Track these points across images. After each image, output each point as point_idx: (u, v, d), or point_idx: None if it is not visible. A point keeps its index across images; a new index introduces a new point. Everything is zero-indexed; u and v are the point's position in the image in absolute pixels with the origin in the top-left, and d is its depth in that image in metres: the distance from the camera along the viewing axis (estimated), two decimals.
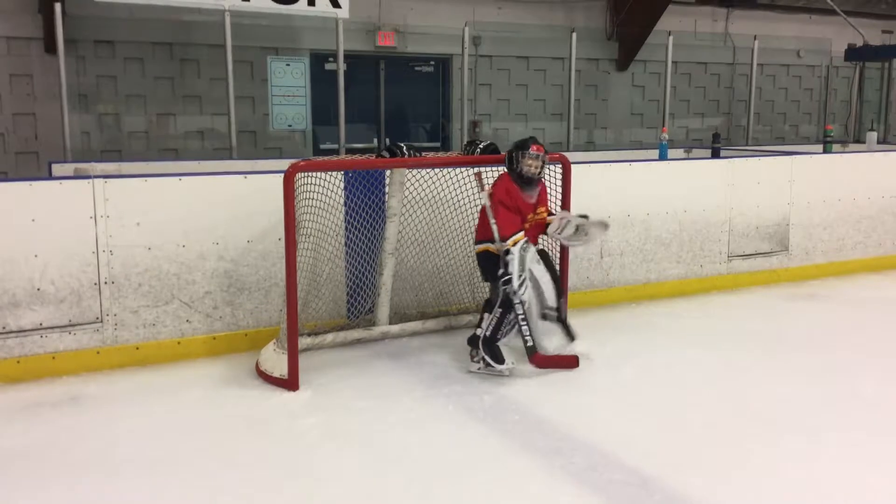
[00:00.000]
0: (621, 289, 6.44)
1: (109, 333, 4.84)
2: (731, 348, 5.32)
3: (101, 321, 4.81)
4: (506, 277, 4.57)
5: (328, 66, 8.76)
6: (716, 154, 8.19)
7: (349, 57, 7.86)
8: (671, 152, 8.12)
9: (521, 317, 4.62)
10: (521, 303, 4.59)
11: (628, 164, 6.61)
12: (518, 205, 4.71)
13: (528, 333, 4.61)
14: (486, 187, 4.84)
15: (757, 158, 7.19)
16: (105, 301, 4.80)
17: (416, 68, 9.88)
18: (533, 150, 4.70)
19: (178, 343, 5.01)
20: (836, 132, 9.73)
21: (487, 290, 5.13)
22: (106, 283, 4.79)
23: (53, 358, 4.71)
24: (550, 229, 4.86)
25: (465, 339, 4.98)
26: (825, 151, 8.62)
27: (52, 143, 7.33)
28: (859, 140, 10.20)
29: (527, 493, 3.35)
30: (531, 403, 4.29)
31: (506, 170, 4.81)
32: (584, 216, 4.88)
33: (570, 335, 4.89)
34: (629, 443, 3.80)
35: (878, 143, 9.16)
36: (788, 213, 7.15)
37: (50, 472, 3.54)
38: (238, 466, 3.60)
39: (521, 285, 4.56)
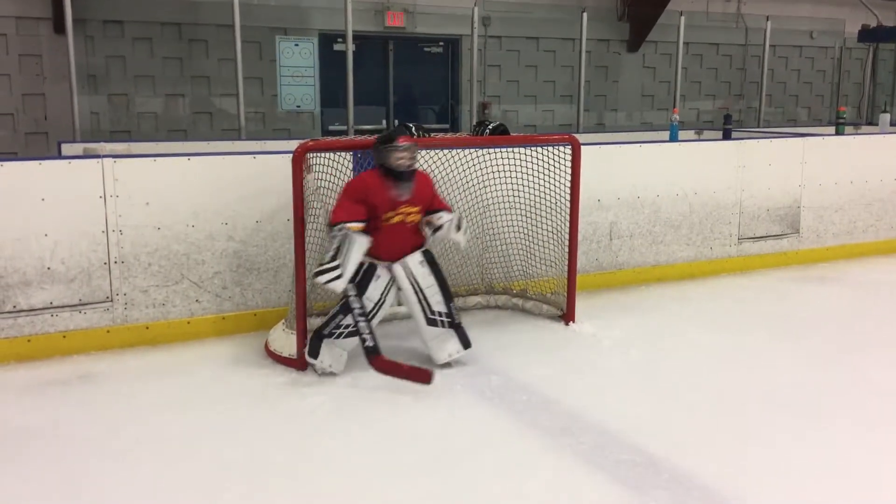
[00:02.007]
0: (630, 271, 6.42)
1: (119, 313, 4.86)
2: (740, 331, 5.31)
3: (111, 300, 4.83)
4: (318, 269, 4.18)
5: (337, 47, 8.73)
6: (727, 136, 8.13)
7: (358, 37, 7.83)
8: (682, 134, 8.08)
9: (356, 311, 4.25)
10: (353, 296, 4.24)
11: (638, 145, 6.57)
12: (373, 201, 4.33)
13: (366, 332, 4.23)
14: (314, 173, 4.53)
15: (768, 140, 7.14)
16: (115, 280, 4.82)
17: (426, 49, 9.82)
18: (399, 142, 4.31)
19: (188, 323, 5.03)
20: (848, 114, 9.66)
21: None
22: (116, 262, 4.80)
23: (64, 337, 4.74)
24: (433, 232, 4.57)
25: (473, 320, 4.91)
26: (837, 133, 8.54)
27: (62, 123, 7.34)
28: (872, 122, 10.12)
29: (535, 472, 3.36)
30: (539, 384, 4.29)
31: (376, 168, 4.44)
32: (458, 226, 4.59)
33: (465, 341, 4.56)
34: (637, 423, 3.80)
35: (892, 125, 9.07)
36: (800, 195, 7.10)
37: (60, 450, 3.57)
38: (247, 445, 3.62)
39: (336, 277, 4.14)
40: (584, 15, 8.43)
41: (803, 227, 7.18)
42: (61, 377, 4.43)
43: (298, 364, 4.50)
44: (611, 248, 6.32)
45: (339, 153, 4.96)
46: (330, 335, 4.38)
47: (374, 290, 4.39)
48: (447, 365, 4.54)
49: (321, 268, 4.17)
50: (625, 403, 4.05)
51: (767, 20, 9.53)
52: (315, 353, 4.39)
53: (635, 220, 6.37)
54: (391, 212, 4.38)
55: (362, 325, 4.25)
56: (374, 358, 4.26)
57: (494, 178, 5.47)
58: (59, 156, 5.86)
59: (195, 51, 8.36)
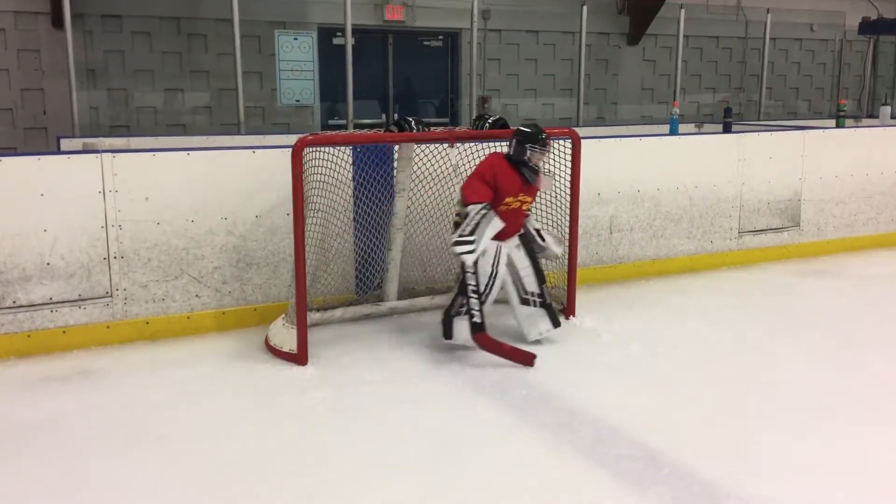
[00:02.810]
0: (630, 265, 6.42)
1: (119, 308, 4.86)
2: (740, 324, 5.31)
3: (111, 295, 4.83)
4: (458, 238, 4.46)
5: (336, 41, 8.69)
6: (727, 129, 8.11)
7: (357, 31, 7.81)
8: (682, 127, 8.05)
9: (470, 288, 4.50)
10: (471, 272, 4.50)
11: (638, 139, 6.56)
12: (501, 185, 4.60)
13: (475, 308, 4.49)
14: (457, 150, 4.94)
15: (769, 133, 7.13)
16: (114, 276, 4.82)
17: (425, 43, 9.80)
18: (546, 147, 4.70)
19: (188, 318, 5.03)
20: (849, 107, 9.63)
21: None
22: (115, 257, 4.80)
23: (63, 332, 4.73)
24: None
25: None
26: (838, 126, 8.53)
27: (61, 118, 7.32)
28: (872, 115, 10.09)
29: (535, 467, 3.36)
30: (538, 379, 4.29)
31: (509, 152, 4.71)
32: (542, 237, 4.95)
33: (555, 321, 4.83)
34: (637, 418, 3.80)
35: (892, 117, 9.05)
36: (800, 188, 7.09)
37: (59, 446, 3.57)
38: (247, 440, 3.62)
39: (471, 250, 4.44)
40: (584, 8, 8.39)
41: (804, 220, 7.17)
42: (61, 373, 4.43)
43: (298, 359, 4.50)
44: (611, 241, 6.31)
45: (338, 147, 4.97)
46: (457, 314, 4.62)
47: (485, 264, 4.65)
48: (537, 342, 4.77)
49: (461, 238, 4.44)
50: (625, 398, 4.05)
51: (768, 13, 9.50)
52: (449, 335, 4.65)
53: (635, 213, 6.37)
54: (512, 198, 4.66)
55: (473, 301, 4.50)
56: (479, 335, 4.49)
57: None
58: (59, 151, 5.85)
59: (194, 45, 8.34)
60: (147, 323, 4.93)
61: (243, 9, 6.90)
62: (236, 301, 5.16)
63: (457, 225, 4.61)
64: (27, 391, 4.19)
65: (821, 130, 7.48)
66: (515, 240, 4.83)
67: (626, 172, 6.29)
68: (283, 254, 5.19)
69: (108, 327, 4.84)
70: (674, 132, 7.69)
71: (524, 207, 4.80)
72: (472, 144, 5.37)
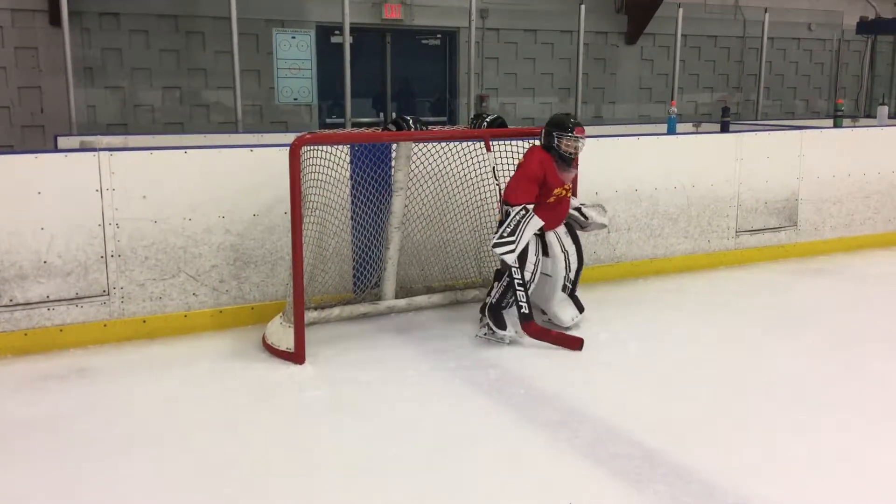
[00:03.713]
0: (628, 264, 6.42)
1: (116, 306, 4.85)
2: (738, 323, 5.31)
3: (108, 294, 4.82)
4: (498, 240, 4.57)
5: (334, 39, 8.70)
6: (725, 128, 8.12)
7: (355, 30, 7.80)
8: (680, 126, 8.06)
9: (516, 281, 4.64)
10: (516, 268, 4.62)
11: (636, 138, 6.56)
12: (548, 180, 4.76)
13: (522, 300, 4.66)
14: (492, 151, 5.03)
15: (766, 133, 7.13)
16: (112, 274, 4.81)
17: (423, 41, 9.80)
18: (577, 132, 4.78)
19: (185, 316, 5.02)
20: (846, 107, 9.65)
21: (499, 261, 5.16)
22: (112, 256, 4.79)
23: (60, 330, 4.73)
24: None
25: (471, 313, 5.00)
26: (835, 126, 8.54)
27: (58, 116, 7.31)
28: (870, 115, 10.12)
29: (532, 466, 3.36)
30: (536, 378, 4.29)
31: (541, 144, 4.87)
32: (584, 215, 5.14)
33: (580, 307, 5.09)
34: (635, 417, 3.80)
35: (889, 117, 9.07)
36: (797, 187, 7.10)
37: (57, 444, 3.56)
38: (245, 439, 3.62)
39: (511, 250, 4.56)
40: (582, 7, 8.40)
41: (801, 219, 7.18)
42: (58, 371, 4.42)
43: (296, 357, 4.49)
44: (608, 241, 6.31)
45: (336, 146, 4.96)
46: (507, 306, 4.77)
47: (530, 254, 4.79)
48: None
49: (501, 240, 4.56)
50: (623, 397, 4.05)
51: (765, 12, 9.52)
52: (503, 325, 4.76)
53: (633, 213, 6.37)
54: (560, 188, 4.83)
55: (520, 293, 4.66)
56: (528, 324, 4.68)
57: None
58: (56, 149, 5.84)
59: (192, 43, 8.33)
60: (144, 321, 4.92)
61: (241, 7, 6.89)
62: (234, 299, 5.15)
63: (501, 224, 4.71)
64: (24, 389, 4.18)
65: (818, 130, 7.48)
66: (562, 227, 5.06)
67: (623, 172, 6.29)
68: (280, 252, 5.19)
69: (105, 326, 4.83)
70: (671, 131, 7.70)
71: (568, 195, 4.97)
72: (469, 143, 5.37)
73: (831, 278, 6.55)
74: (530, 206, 4.70)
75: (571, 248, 5.06)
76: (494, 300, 4.81)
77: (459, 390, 4.15)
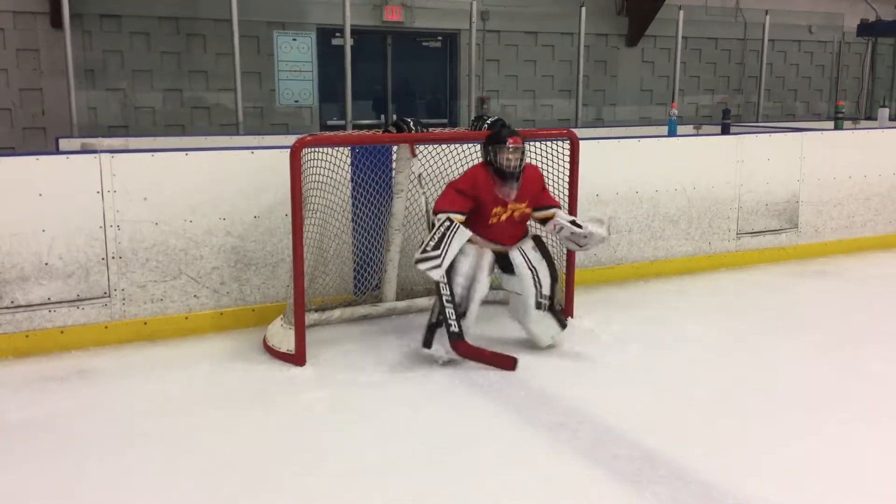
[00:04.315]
0: (629, 266, 6.42)
1: (117, 308, 4.86)
2: (738, 325, 5.31)
3: (109, 296, 4.82)
4: (421, 255, 4.25)
5: (335, 42, 8.71)
6: (725, 130, 8.13)
7: (356, 32, 7.82)
8: (680, 128, 8.07)
9: (445, 298, 4.35)
10: (444, 283, 4.35)
11: (637, 140, 6.56)
12: (481, 196, 4.46)
13: (451, 318, 4.35)
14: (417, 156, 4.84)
15: (767, 135, 7.13)
16: (113, 276, 4.81)
17: (424, 44, 9.81)
18: (510, 143, 4.43)
19: (186, 318, 5.02)
20: (847, 109, 9.64)
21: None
22: (113, 257, 4.79)
23: (61, 332, 4.73)
24: (547, 228, 4.74)
25: None
26: (836, 128, 8.54)
27: (59, 118, 7.32)
28: (871, 117, 10.12)
29: (532, 467, 3.36)
30: (536, 379, 4.29)
31: (482, 163, 4.60)
32: (579, 225, 4.64)
33: (562, 323, 4.73)
34: (635, 418, 3.80)
35: (890, 119, 9.07)
36: (798, 189, 7.10)
37: (57, 446, 3.56)
38: (245, 440, 3.62)
39: (436, 265, 4.24)
40: (583, 9, 8.41)
41: (802, 221, 7.18)
42: (59, 373, 4.42)
43: (296, 359, 4.50)
44: (609, 242, 6.31)
45: (337, 148, 4.97)
46: (439, 324, 4.44)
47: (463, 265, 4.46)
48: (550, 347, 4.73)
49: (424, 255, 4.24)
50: (623, 398, 4.05)
51: (766, 14, 9.52)
52: (428, 344, 4.47)
53: (634, 214, 6.37)
54: (499, 208, 4.51)
55: (449, 310, 4.36)
56: (457, 343, 4.38)
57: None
58: (57, 151, 5.85)
59: (193, 45, 8.34)
60: (145, 323, 4.93)
61: (242, 9, 6.90)
62: (234, 301, 5.16)
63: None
64: (25, 391, 4.18)
65: (819, 132, 7.49)
66: (530, 241, 4.72)
67: (624, 174, 6.29)
68: (281, 254, 5.19)
69: (106, 327, 4.83)
70: (672, 133, 7.71)
71: (516, 215, 4.60)
72: (470, 145, 5.38)
73: (832, 280, 6.55)
74: (455, 217, 4.37)
75: (541, 265, 4.64)
76: (432, 318, 4.51)
77: (460, 391, 4.15)
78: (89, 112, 7.83)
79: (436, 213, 4.41)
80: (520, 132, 4.61)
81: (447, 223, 4.33)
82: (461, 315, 4.41)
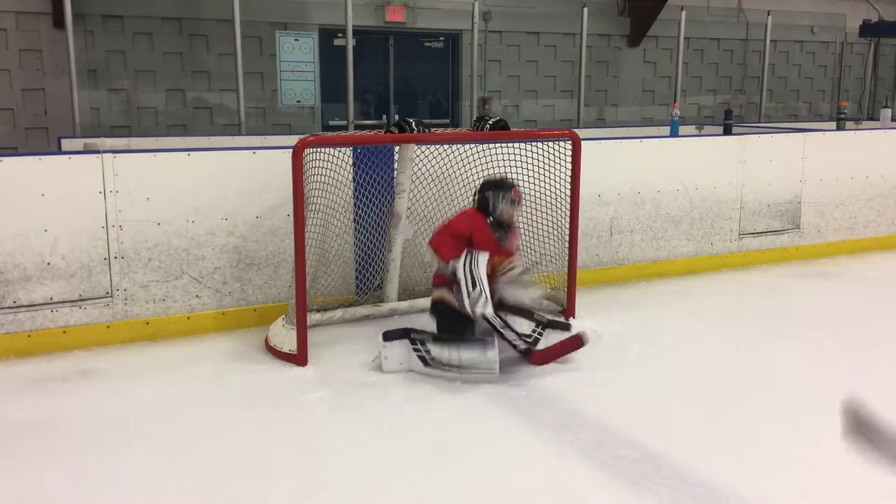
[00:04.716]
0: (631, 266, 6.42)
1: (119, 308, 4.86)
2: (740, 326, 5.31)
3: (111, 296, 4.83)
4: (471, 302, 4.19)
5: (337, 42, 8.70)
6: (728, 131, 8.12)
7: (358, 32, 7.81)
8: (682, 129, 8.06)
9: (499, 326, 4.31)
10: (492, 315, 4.28)
11: (639, 140, 6.56)
12: (476, 240, 4.41)
13: (515, 339, 4.35)
14: (402, 220, 4.71)
15: (769, 135, 7.12)
16: (115, 276, 4.82)
17: (426, 44, 9.81)
18: (514, 195, 4.47)
19: (188, 318, 5.03)
20: (849, 109, 9.64)
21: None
22: (116, 257, 4.80)
23: (64, 332, 4.74)
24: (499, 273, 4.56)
25: None
26: (838, 128, 8.53)
27: (62, 118, 7.32)
28: (873, 117, 10.09)
29: (534, 468, 3.36)
30: (538, 380, 4.29)
31: (476, 207, 4.55)
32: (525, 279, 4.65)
33: (565, 326, 4.71)
34: (637, 419, 3.80)
35: (892, 120, 9.04)
36: (800, 190, 7.09)
37: (59, 446, 3.57)
38: (247, 440, 3.62)
39: (486, 302, 4.21)
40: (585, 10, 8.40)
41: (804, 222, 7.17)
42: (61, 372, 4.43)
43: (298, 359, 4.50)
44: (611, 243, 6.31)
45: (339, 148, 4.97)
46: (413, 343, 4.32)
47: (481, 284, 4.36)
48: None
49: (471, 299, 4.19)
50: (625, 398, 4.05)
51: (768, 15, 9.51)
52: (389, 338, 4.36)
53: (636, 215, 6.37)
54: (488, 253, 4.42)
55: (508, 334, 4.33)
56: (533, 357, 4.39)
57: (494, 174, 5.45)
58: (59, 151, 5.85)
59: (195, 46, 8.34)
60: (147, 323, 4.93)
61: (244, 9, 6.90)
62: (236, 302, 5.16)
63: (438, 281, 4.46)
64: (27, 391, 4.19)
65: (821, 133, 7.48)
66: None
67: (626, 174, 6.29)
68: (283, 254, 5.19)
69: (108, 327, 4.84)
70: (674, 134, 7.70)
71: (495, 261, 4.51)
72: (472, 146, 5.38)
73: (834, 281, 6.54)
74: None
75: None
76: (412, 329, 4.43)
77: (461, 392, 4.15)
78: (92, 112, 7.83)
79: (447, 260, 4.36)
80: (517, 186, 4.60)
81: (464, 257, 4.32)
82: (510, 327, 4.37)
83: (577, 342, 4.48)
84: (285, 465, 3.40)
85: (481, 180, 4.71)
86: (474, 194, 4.63)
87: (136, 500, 3.13)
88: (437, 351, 4.27)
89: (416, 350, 4.32)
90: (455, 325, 4.36)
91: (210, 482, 3.25)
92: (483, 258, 4.34)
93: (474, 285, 4.23)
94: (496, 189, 4.50)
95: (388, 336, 4.38)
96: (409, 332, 4.38)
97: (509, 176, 4.68)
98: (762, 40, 9.72)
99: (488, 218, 4.50)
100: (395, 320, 5.28)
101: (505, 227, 4.54)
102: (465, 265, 4.29)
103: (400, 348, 4.36)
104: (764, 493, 3.14)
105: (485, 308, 4.22)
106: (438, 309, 4.50)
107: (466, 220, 4.51)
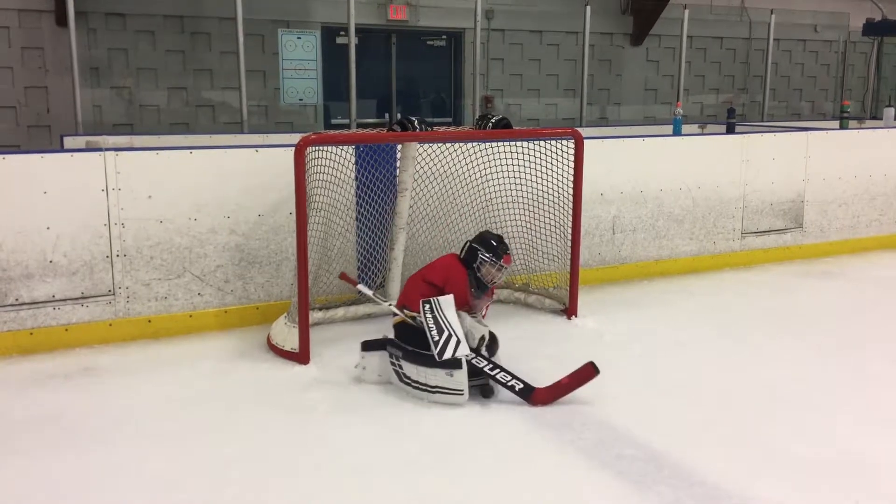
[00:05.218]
0: (633, 265, 6.41)
1: (122, 306, 4.86)
2: (742, 325, 5.30)
3: (114, 294, 4.83)
4: (437, 353, 3.90)
5: (339, 40, 8.70)
6: (730, 130, 8.11)
7: (360, 31, 7.80)
8: (685, 128, 8.05)
9: (487, 369, 3.98)
10: (477, 357, 4.00)
11: (641, 139, 6.55)
12: (448, 291, 4.23)
13: (509, 380, 3.97)
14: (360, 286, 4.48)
15: (772, 134, 7.12)
16: (117, 274, 4.82)
17: (428, 42, 9.80)
18: (504, 263, 4.30)
19: (190, 316, 5.03)
20: (852, 108, 9.63)
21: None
22: (118, 255, 4.80)
23: (66, 330, 4.74)
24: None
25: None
26: (841, 127, 8.52)
27: (64, 116, 7.33)
28: (876, 116, 10.08)
29: (537, 467, 3.36)
30: (541, 379, 4.27)
31: (460, 258, 4.39)
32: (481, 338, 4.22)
33: (524, 388, 4.03)
34: (639, 418, 3.80)
35: None
36: (803, 189, 7.08)
37: (61, 443, 3.57)
38: (249, 439, 3.62)
39: (456, 345, 3.95)
40: (588, 8, 8.39)
41: (807, 221, 7.16)
42: (64, 370, 4.43)
43: (300, 358, 4.50)
44: (613, 242, 6.31)
45: (341, 147, 4.97)
46: (391, 356, 4.13)
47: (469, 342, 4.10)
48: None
49: (438, 349, 3.90)
50: (627, 398, 4.05)
51: (771, 13, 9.50)
52: (366, 348, 4.21)
53: (638, 214, 6.36)
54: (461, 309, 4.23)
55: (499, 375, 3.97)
56: (536, 396, 3.96)
57: (497, 172, 5.46)
58: (62, 149, 5.85)
59: (197, 44, 8.34)
60: (149, 321, 4.93)
61: (247, 7, 6.90)
62: (238, 300, 5.16)
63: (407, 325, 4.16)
64: (30, 388, 4.19)
65: (824, 132, 7.47)
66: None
67: (629, 173, 6.28)
68: (285, 253, 5.19)
69: (110, 325, 4.84)
70: (677, 133, 7.68)
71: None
72: (475, 144, 5.38)
73: (836, 280, 6.53)
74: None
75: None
76: (393, 341, 4.21)
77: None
78: (94, 110, 7.83)
79: (412, 310, 4.14)
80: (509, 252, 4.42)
81: (425, 306, 4.07)
82: (501, 367, 4.05)
83: (590, 372, 4.00)
84: (287, 463, 3.40)
85: (477, 232, 4.54)
86: (465, 244, 4.41)
87: (138, 497, 3.13)
88: (407, 368, 4.05)
89: (392, 363, 4.14)
90: (420, 339, 4.05)
91: (212, 480, 3.25)
92: (448, 302, 4.10)
93: (441, 332, 3.97)
94: (488, 250, 4.30)
95: (367, 346, 4.22)
96: (388, 345, 4.19)
97: (506, 238, 4.49)
98: (765, 39, 9.71)
99: (470, 272, 4.32)
100: None
101: (486, 291, 4.41)
102: (427, 312, 4.04)
103: (379, 359, 4.19)
104: (765, 492, 3.13)
105: (457, 353, 3.92)
106: (401, 332, 4.22)
107: (445, 272, 4.31)
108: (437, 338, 3.96)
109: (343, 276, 4.64)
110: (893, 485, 3.26)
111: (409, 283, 4.44)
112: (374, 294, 4.53)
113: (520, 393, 3.97)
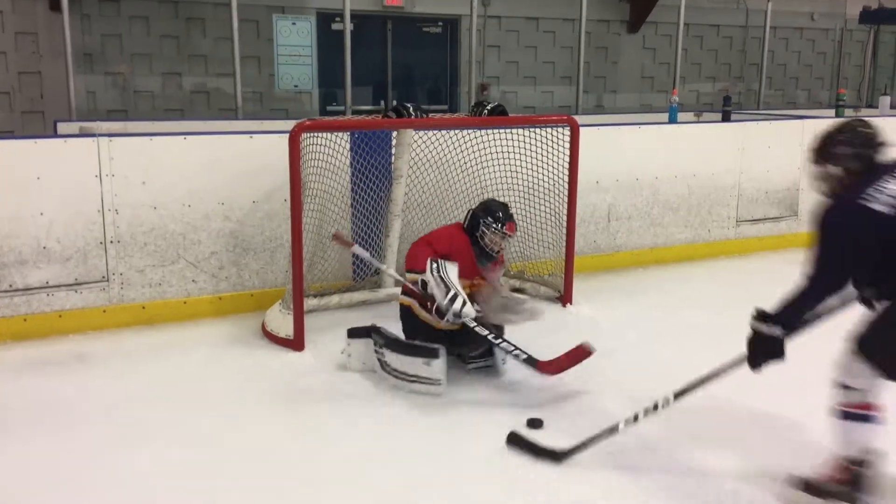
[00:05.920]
0: (628, 253, 6.42)
1: (115, 292, 4.85)
2: (737, 313, 5.26)
3: (108, 280, 4.82)
4: (439, 309, 3.88)
5: (335, 26, 8.65)
6: (726, 118, 8.10)
7: (356, 17, 7.75)
8: (681, 116, 8.03)
9: (491, 337, 3.96)
10: (477, 325, 3.94)
11: (637, 127, 6.54)
12: (456, 260, 4.08)
13: (514, 350, 3.96)
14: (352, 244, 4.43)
15: (768, 122, 7.12)
16: (111, 260, 4.81)
17: (424, 29, 9.75)
18: (507, 229, 4.15)
19: (184, 303, 5.02)
20: (848, 97, 9.60)
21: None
22: (112, 242, 4.79)
23: (60, 316, 4.73)
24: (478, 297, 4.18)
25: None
26: (837, 116, 8.50)
27: (58, 102, 7.27)
28: (872, 105, 10.08)
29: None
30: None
31: (464, 226, 4.25)
32: (508, 298, 4.25)
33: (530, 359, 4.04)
34: (634, 406, 3.78)
35: (891, 107, 9.03)
36: (798, 177, 7.08)
37: (55, 430, 3.57)
38: (243, 425, 3.63)
39: (462, 303, 3.87)
40: None
41: (802, 209, 7.16)
42: (57, 357, 4.43)
43: (295, 344, 4.50)
44: (609, 230, 6.31)
45: (336, 133, 4.95)
46: (375, 345, 4.10)
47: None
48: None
49: (443, 306, 3.85)
50: (621, 386, 4.06)
51: (768, 1, 9.46)
52: (353, 335, 4.20)
53: (633, 202, 6.36)
54: (465, 280, 4.12)
55: (505, 344, 3.96)
56: (542, 368, 3.95)
57: (492, 160, 5.44)
58: (55, 134, 5.81)
59: (192, 29, 8.29)
60: (143, 308, 4.93)
61: None
62: (233, 286, 5.15)
63: (407, 290, 4.17)
64: (23, 375, 4.19)
65: (820, 120, 7.45)
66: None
67: (624, 161, 6.27)
68: (280, 239, 5.18)
69: (104, 311, 4.83)
70: (673, 121, 7.67)
71: (473, 290, 4.20)
72: (470, 131, 5.36)
73: None
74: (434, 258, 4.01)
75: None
76: (375, 326, 4.20)
77: (459, 378, 4.14)
78: (88, 96, 7.78)
79: (416, 271, 4.01)
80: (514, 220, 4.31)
81: (430, 265, 3.96)
82: (504, 338, 4.04)
83: (584, 353, 4.02)
84: (281, 450, 3.40)
85: (482, 200, 4.43)
86: (468, 211, 4.31)
87: (133, 484, 3.13)
88: (388, 356, 4.02)
89: (376, 352, 4.10)
90: (420, 332, 4.10)
91: (206, 467, 3.25)
92: (452, 267, 4.01)
93: (447, 290, 3.89)
94: (490, 217, 4.16)
95: (353, 333, 4.20)
96: (372, 332, 4.16)
97: (511, 206, 4.39)
98: (762, 27, 9.67)
99: (473, 241, 4.20)
100: (391, 306, 5.25)
101: (490, 259, 4.25)
102: (433, 273, 3.94)
103: (364, 347, 4.18)
104: (763, 482, 3.14)
105: (463, 309, 3.86)
106: (405, 315, 4.24)
107: (448, 240, 4.17)
108: (443, 296, 3.88)
109: (337, 236, 4.61)
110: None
111: (412, 252, 4.19)
112: (370, 256, 4.54)
113: (527, 362, 3.94)
